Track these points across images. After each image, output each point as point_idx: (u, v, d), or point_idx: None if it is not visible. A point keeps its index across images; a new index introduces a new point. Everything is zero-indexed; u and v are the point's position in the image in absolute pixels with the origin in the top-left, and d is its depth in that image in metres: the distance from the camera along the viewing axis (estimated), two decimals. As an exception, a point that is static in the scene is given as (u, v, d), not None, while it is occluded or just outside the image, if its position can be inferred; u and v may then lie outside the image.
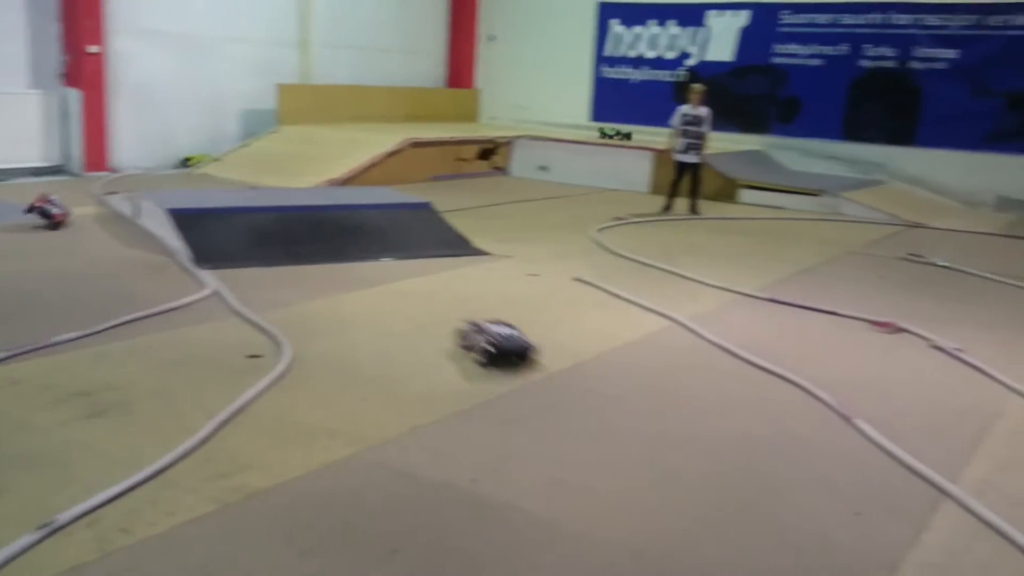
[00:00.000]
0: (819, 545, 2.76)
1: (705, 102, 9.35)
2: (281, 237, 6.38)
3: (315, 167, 9.86)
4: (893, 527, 2.89)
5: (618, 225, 8.44)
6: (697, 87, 9.50)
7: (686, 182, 9.36)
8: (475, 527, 2.78)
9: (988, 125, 10.83)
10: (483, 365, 4.16)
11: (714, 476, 3.22)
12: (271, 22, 11.79)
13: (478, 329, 4.29)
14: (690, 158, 9.30)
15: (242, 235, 6.29)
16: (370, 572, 2.48)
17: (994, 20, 10.70)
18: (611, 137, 12.04)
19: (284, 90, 11.51)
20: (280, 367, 3.99)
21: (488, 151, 11.91)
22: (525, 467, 3.20)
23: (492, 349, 4.15)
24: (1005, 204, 10.71)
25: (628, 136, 12.04)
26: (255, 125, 11.52)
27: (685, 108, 9.36)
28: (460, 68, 14.52)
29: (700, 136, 9.27)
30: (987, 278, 6.79)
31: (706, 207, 9.53)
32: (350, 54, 12.76)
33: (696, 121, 9.27)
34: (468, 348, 4.29)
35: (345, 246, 6.41)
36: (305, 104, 11.72)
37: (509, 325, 4.32)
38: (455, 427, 3.54)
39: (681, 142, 9.31)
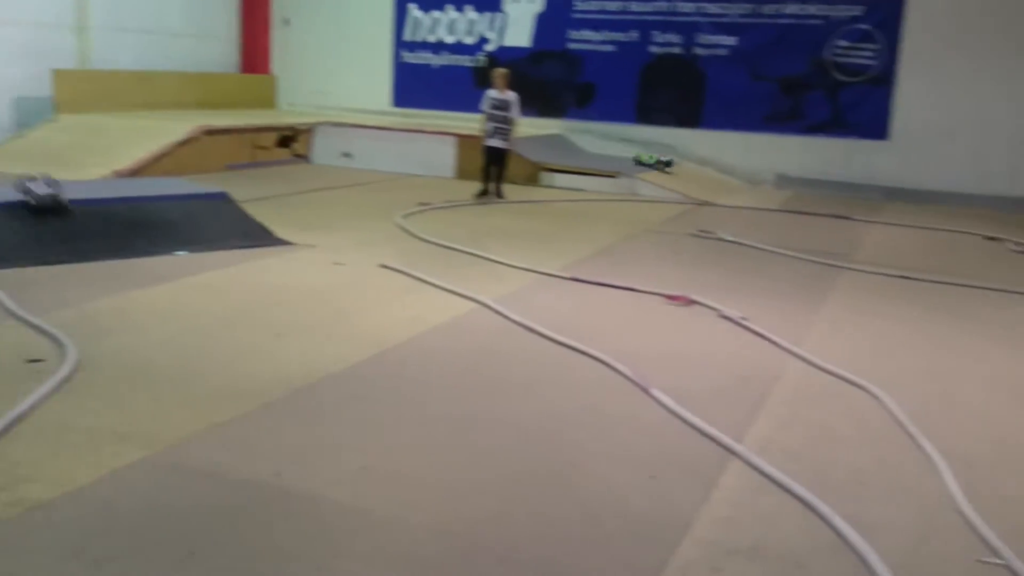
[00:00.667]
0: (619, 511, 2.87)
1: (511, 86, 9.42)
2: (62, 233, 5.96)
3: (99, 158, 9.27)
4: (686, 487, 3.05)
5: (424, 211, 8.44)
6: (501, 71, 9.57)
7: (494, 167, 9.45)
8: (281, 521, 2.71)
9: (766, 108, 11.59)
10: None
11: (521, 453, 3.28)
12: (44, 3, 10.96)
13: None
14: (497, 143, 9.36)
15: (16, 232, 5.83)
16: (168, 577, 2.37)
17: (768, 9, 11.44)
18: (651, 166, 10.86)
19: (61, 76, 10.74)
20: (64, 370, 3.74)
21: (288, 138, 11.60)
22: (331, 457, 3.15)
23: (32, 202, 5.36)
24: (783, 181, 11.51)
25: (669, 163, 10.89)
26: (29, 115, 10.68)
27: (493, 92, 9.41)
28: (254, 53, 14.04)
29: (507, 121, 9.33)
30: (768, 251, 7.27)
31: (510, 191, 9.69)
32: (134, 38, 12.06)
33: (503, 106, 9.33)
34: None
35: (135, 241, 6.08)
36: (86, 91, 10.98)
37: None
38: (257, 421, 3.44)
39: (489, 126, 9.34)
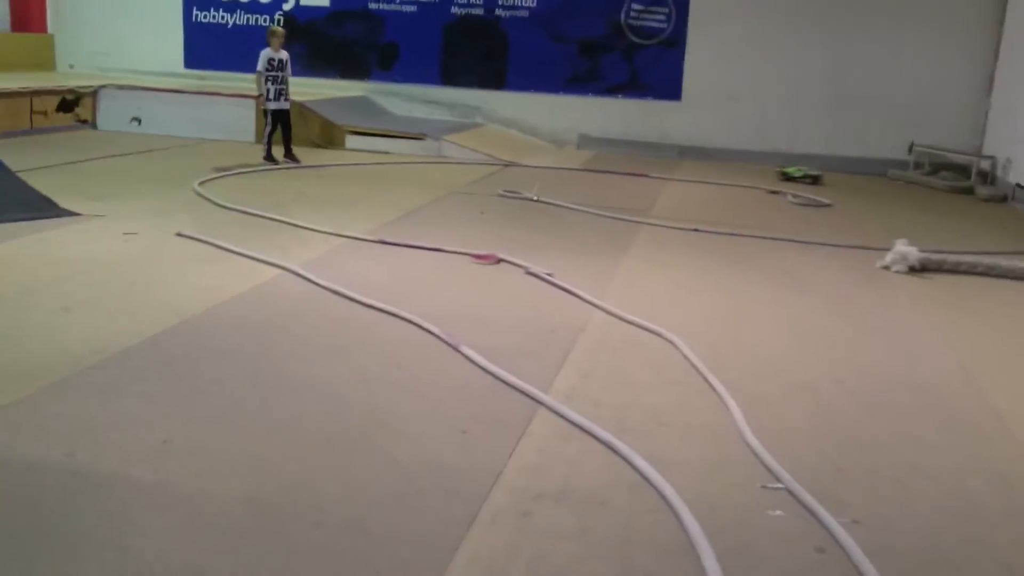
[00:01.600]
0: (431, 467, 2.90)
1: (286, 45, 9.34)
2: None
3: None
4: (495, 439, 3.12)
5: (221, 177, 8.12)
6: (279, 30, 9.47)
7: (280, 129, 9.23)
8: (75, 502, 2.57)
9: (567, 70, 11.85)
10: None
11: (331, 417, 3.25)
12: None
13: None
14: (283, 104, 9.21)
15: None
16: (-53, 572, 2.20)
17: (565, -28, 11.67)
18: (799, 179, 9.71)
19: None
20: None
21: (69, 103, 10.82)
22: (129, 434, 3.01)
23: None
24: (586, 141, 11.85)
25: (817, 179, 9.75)
26: None
27: (269, 52, 9.17)
28: (27, 10, 12.98)
29: (286, 81, 9.24)
30: (572, 209, 7.48)
31: (313, 154, 9.47)
32: None
33: (282, 66, 9.20)
34: None
35: None
36: None
37: None
38: (44, 402, 3.23)
39: (270, 89, 9.12)
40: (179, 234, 5.73)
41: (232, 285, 4.74)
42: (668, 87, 11.65)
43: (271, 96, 9.12)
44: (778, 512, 2.71)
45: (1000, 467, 3.13)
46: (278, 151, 9.21)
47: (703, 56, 11.46)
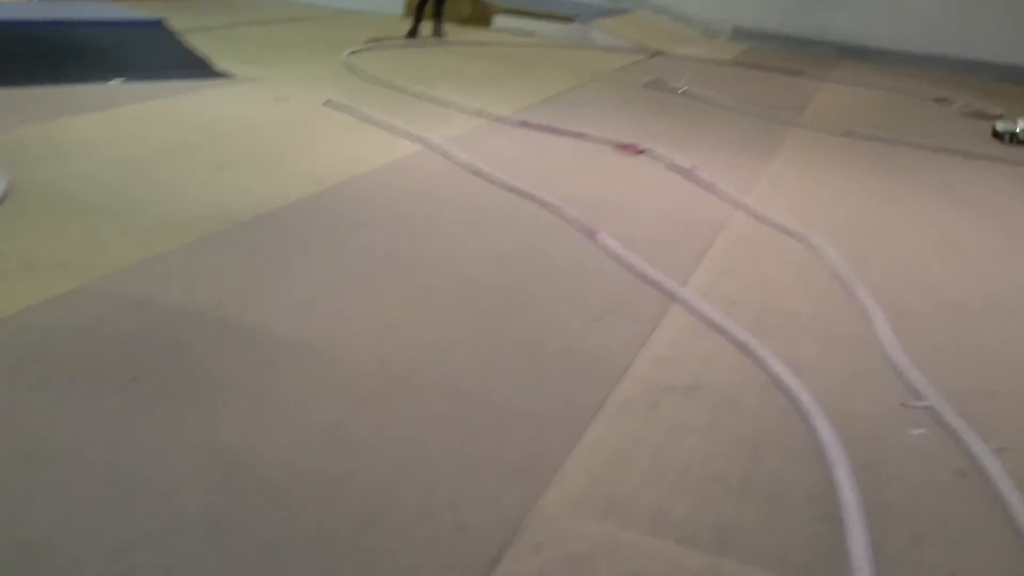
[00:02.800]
0: (562, 351, 2.91)
1: None
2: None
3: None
4: (628, 330, 3.09)
5: (370, 48, 8.15)
6: None
7: (432, 4, 9.10)
8: (221, 351, 2.69)
9: (726, -44, 11.25)
10: None
11: (464, 294, 3.28)
12: None
13: None
14: None
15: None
16: (107, 401, 2.35)
17: None
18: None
19: None
20: (-7, 197, 3.60)
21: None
22: (272, 291, 3.12)
23: None
24: (739, 34, 11.31)
25: None
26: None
27: None
28: None
29: None
30: (720, 104, 7.20)
31: (459, 32, 9.38)
32: None
33: None
34: None
35: (65, 67, 5.78)
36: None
37: None
38: (196, 254, 3.37)
39: None
40: (327, 102, 5.81)
41: (374, 157, 4.79)
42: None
43: None
44: (920, 430, 2.61)
45: None
46: (426, 27, 9.14)
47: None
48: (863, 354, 3.08)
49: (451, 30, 9.43)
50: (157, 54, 6.33)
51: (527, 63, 8.38)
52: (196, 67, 6.31)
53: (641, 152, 5.41)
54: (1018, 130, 7.01)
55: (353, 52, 7.73)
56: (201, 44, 6.77)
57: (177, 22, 7.00)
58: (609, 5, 11.39)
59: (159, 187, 4.01)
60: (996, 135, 6.96)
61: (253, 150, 4.71)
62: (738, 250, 3.98)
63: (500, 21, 10.39)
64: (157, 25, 6.66)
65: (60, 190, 3.85)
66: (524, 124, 5.82)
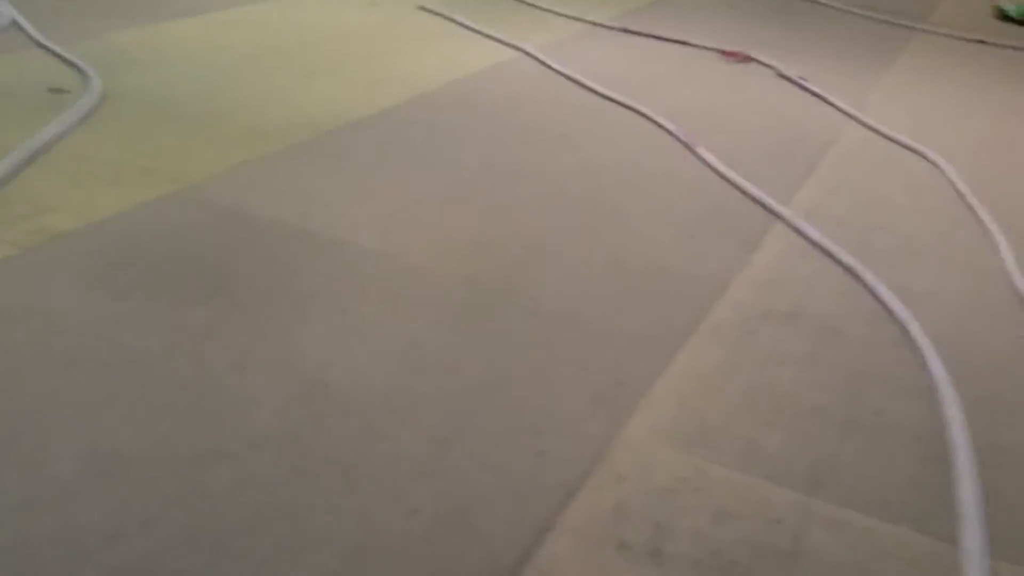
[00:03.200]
0: (655, 270, 2.77)
1: None
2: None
3: None
4: (725, 250, 2.93)
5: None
6: None
7: None
8: (305, 261, 2.65)
9: None
10: None
11: (555, 208, 3.16)
12: None
13: None
14: None
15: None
16: (191, 309, 2.34)
17: None
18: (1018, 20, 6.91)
19: None
20: (87, 103, 3.61)
21: None
22: (359, 202, 3.05)
23: None
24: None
25: None
26: None
27: None
28: None
29: None
30: (835, 7, 6.76)
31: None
32: None
33: None
34: None
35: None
36: None
37: None
38: (284, 163, 3.32)
39: None
40: (421, 7, 5.66)
41: (468, 64, 4.65)
42: None
43: None
44: (1042, 367, 2.40)
45: None
46: None
47: None
48: (983, 282, 2.85)
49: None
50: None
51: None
52: (291, -29, 6.21)
53: (749, 60, 5.11)
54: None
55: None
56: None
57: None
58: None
59: (249, 95, 3.97)
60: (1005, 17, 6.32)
61: (343, 56, 4.62)
62: (849, 167, 3.73)
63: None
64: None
65: (151, 96, 3.84)
66: (625, 30, 5.57)
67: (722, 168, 3.52)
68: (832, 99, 4.49)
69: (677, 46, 5.32)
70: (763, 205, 3.24)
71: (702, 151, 3.67)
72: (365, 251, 2.74)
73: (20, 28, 4.53)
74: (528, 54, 4.87)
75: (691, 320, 2.50)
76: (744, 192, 3.35)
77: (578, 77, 4.51)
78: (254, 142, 3.45)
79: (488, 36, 5.13)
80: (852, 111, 4.34)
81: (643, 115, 4.07)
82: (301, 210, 2.95)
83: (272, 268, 2.60)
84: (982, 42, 6.00)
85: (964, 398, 2.22)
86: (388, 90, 4.13)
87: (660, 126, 3.95)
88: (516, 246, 2.86)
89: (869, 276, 2.75)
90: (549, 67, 4.68)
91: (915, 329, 2.48)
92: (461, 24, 5.34)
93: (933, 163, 3.76)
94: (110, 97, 3.74)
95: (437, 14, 5.53)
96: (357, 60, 4.58)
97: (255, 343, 2.23)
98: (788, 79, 4.82)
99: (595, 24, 5.66)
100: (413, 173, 3.33)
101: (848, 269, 2.82)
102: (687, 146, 3.75)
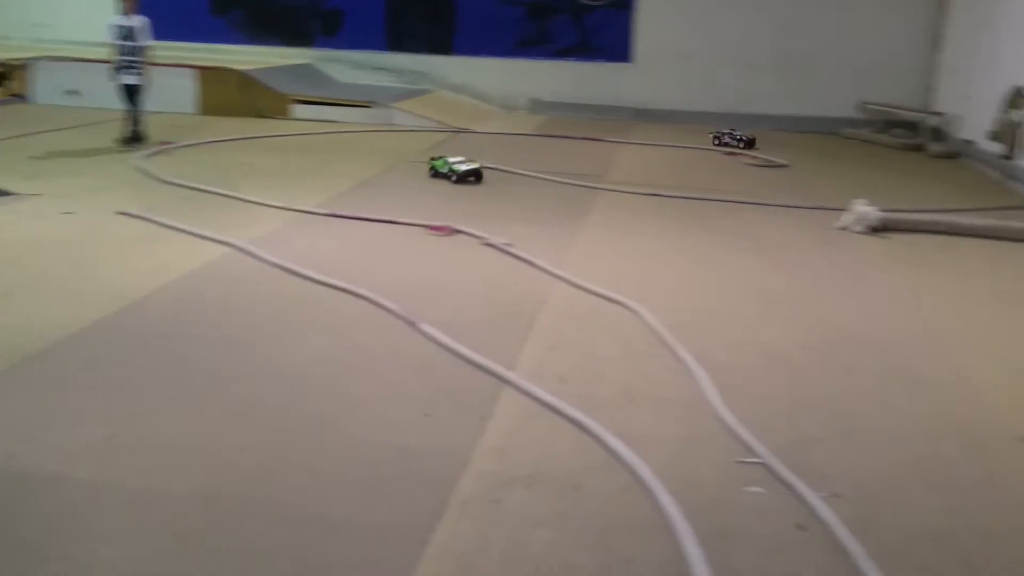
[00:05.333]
0: (396, 453, 2.78)
1: (137, 9, 7.93)
2: None
3: None
4: (460, 422, 3.00)
5: (164, 151, 7.83)
6: None
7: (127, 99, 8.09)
8: (17, 507, 2.41)
9: (516, 33, 11.64)
10: None
11: (288, 403, 3.11)
12: None
13: None
14: (129, 79, 7.94)
15: None
16: None
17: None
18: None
19: None
20: None
21: (0, 75, 10.38)
22: (71, 430, 2.84)
23: None
24: (537, 106, 11.67)
25: (752, 143, 8.96)
26: None
27: (117, 19, 7.93)
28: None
29: (136, 51, 7.89)
30: (527, 175, 7.33)
31: (259, 125, 9.16)
32: None
33: (129, 34, 7.86)
34: None
35: None
36: None
37: None
38: (-19, 398, 3.04)
39: (116, 60, 7.89)
40: (121, 212, 5.49)
41: (178, 265, 4.54)
42: (618, 49, 11.51)
43: (117, 67, 7.91)
44: (756, 489, 2.64)
45: (972, 431, 3.09)
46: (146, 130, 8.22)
47: (652, 17, 11.32)
48: (694, 416, 3.12)
49: (249, 123, 9.21)
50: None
51: (331, 151, 8.28)
52: (-30, 187, 5.85)
53: (455, 232, 5.39)
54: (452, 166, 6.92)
55: (145, 156, 7.39)
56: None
57: (-55, 140, 6.51)
58: (406, 87, 11.50)
59: (-68, 326, 3.63)
60: (438, 174, 6.99)
61: (42, 272, 4.36)
62: (563, 324, 3.99)
63: (299, 111, 10.27)
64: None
65: None
66: (333, 215, 5.71)
67: (446, 341, 3.65)
68: (537, 261, 4.82)
69: (386, 226, 5.51)
70: (490, 372, 3.38)
71: (425, 327, 3.79)
72: (84, 484, 2.53)
73: None
74: (240, 249, 4.84)
75: (438, 499, 2.52)
76: (470, 361, 3.48)
77: (293, 266, 4.53)
78: (-58, 380, 3.14)
79: (195, 235, 5.05)
80: (556, 271, 4.68)
81: (364, 297, 4.15)
82: (5, 449, 2.69)
83: (-23, 521, 2.34)
84: (656, 195, 6.74)
85: (698, 529, 2.38)
86: (93, 302, 3.93)
87: (381, 307, 4.04)
88: (255, 452, 2.77)
89: (596, 427, 2.93)
90: (263, 259, 4.67)
91: (644, 472, 2.65)
92: (165, 225, 5.22)
93: (633, 311, 4.11)
94: None
95: (138, 217, 5.38)
96: (56, 274, 4.34)
97: (-37, 614, 1.98)
98: (494, 247, 5.13)
99: (303, 212, 5.75)
100: (129, 388, 3.16)
101: (576, 423, 2.98)
102: (410, 323, 3.85)
